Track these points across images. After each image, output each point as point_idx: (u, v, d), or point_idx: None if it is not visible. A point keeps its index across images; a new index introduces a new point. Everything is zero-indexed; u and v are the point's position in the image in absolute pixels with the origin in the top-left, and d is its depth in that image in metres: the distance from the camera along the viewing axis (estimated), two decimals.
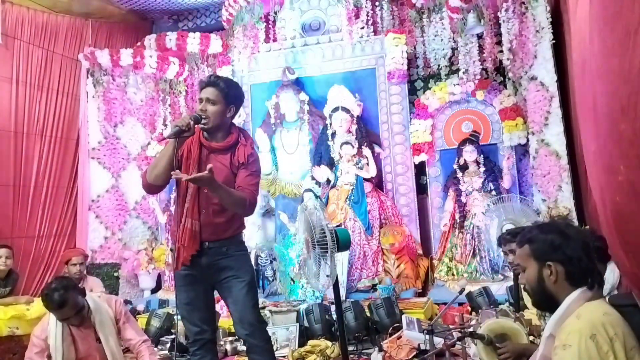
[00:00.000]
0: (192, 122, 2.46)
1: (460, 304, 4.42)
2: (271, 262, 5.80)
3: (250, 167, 2.59)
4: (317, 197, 5.81)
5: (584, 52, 1.97)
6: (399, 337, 3.72)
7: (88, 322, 2.84)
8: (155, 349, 4.10)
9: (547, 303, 1.68)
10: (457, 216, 5.69)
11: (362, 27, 6.31)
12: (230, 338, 4.18)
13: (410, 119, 6.16)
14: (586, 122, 1.95)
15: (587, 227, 4.50)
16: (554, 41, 5.15)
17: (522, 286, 3.22)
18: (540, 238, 1.65)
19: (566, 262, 1.59)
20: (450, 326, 3.81)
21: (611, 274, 3.06)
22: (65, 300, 2.69)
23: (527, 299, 3.31)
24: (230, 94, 2.61)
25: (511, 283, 4.01)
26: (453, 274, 5.56)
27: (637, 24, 1.11)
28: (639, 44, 1.11)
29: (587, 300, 1.55)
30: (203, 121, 2.53)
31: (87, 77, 6.65)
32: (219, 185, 2.39)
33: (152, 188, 2.65)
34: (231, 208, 2.53)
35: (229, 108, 2.61)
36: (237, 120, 6.43)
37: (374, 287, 5.39)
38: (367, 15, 6.29)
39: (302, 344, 4.02)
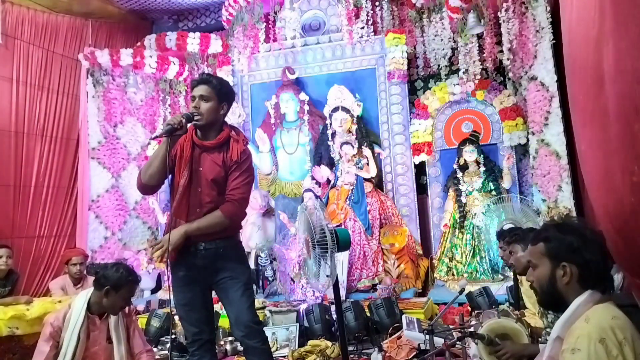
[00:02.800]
0: (184, 121, 2.46)
1: (460, 304, 4.42)
2: (271, 262, 5.80)
3: (242, 166, 2.58)
4: (317, 197, 5.81)
5: (574, 53, 1.97)
6: (399, 337, 3.71)
7: (105, 319, 2.85)
8: (155, 349, 4.10)
9: (555, 303, 1.66)
10: (457, 216, 5.69)
11: (362, 27, 6.31)
12: (230, 338, 4.17)
13: (410, 119, 6.16)
14: (584, 123, 1.94)
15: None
16: (554, 41, 5.14)
17: (522, 286, 3.23)
18: (558, 238, 1.60)
19: (582, 265, 1.55)
20: (450, 326, 3.81)
21: (615, 275, 3.06)
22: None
23: (526, 300, 3.31)
24: (223, 91, 2.61)
25: (511, 283, 4.00)
26: (453, 274, 5.56)
27: None
28: None
29: (595, 303, 1.53)
30: (196, 117, 2.52)
31: (87, 77, 6.64)
32: (192, 229, 2.48)
33: (146, 188, 2.63)
34: (219, 231, 2.55)
35: (222, 105, 2.61)
36: (238, 120, 6.47)
37: (374, 287, 5.39)
38: (367, 15, 6.29)
39: (302, 344, 4.01)
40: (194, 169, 2.56)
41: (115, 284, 2.72)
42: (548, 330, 2.37)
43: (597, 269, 1.56)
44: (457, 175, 5.74)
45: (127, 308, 3.00)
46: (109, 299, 2.75)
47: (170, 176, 2.58)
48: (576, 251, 1.56)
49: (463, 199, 5.65)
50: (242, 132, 2.77)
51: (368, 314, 4.19)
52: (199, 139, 2.59)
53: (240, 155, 2.58)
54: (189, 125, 2.53)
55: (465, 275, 5.42)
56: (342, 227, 5.39)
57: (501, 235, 3.60)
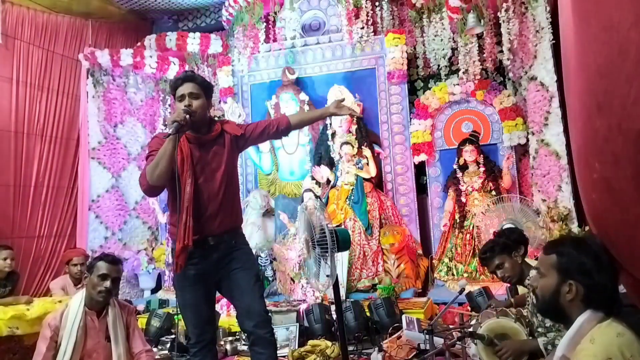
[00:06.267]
0: (187, 116, 2.45)
1: (460, 304, 4.42)
2: (271, 262, 5.80)
3: (249, 124, 2.75)
4: (317, 197, 5.81)
5: (564, 50, 1.97)
6: (399, 337, 3.72)
7: (104, 317, 2.86)
8: (155, 349, 4.11)
9: (554, 314, 1.66)
10: (457, 216, 5.69)
11: (362, 27, 6.31)
12: (230, 338, 4.18)
13: (410, 119, 6.16)
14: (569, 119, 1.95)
15: (587, 227, 4.50)
16: (553, 41, 5.15)
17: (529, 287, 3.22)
18: (572, 255, 1.59)
19: (589, 286, 1.54)
20: (450, 326, 3.81)
21: None
22: (121, 261, 2.94)
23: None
24: (208, 87, 2.65)
25: None
26: (453, 274, 5.56)
27: (613, 20, 1.10)
28: (615, 39, 1.11)
29: (599, 321, 1.52)
30: (193, 114, 2.50)
31: (87, 77, 6.65)
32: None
33: (154, 190, 2.54)
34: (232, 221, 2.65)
35: (208, 101, 2.65)
36: (238, 121, 6.46)
37: (374, 287, 5.40)
38: (367, 15, 6.29)
39: (302, 344, 4.02)
40: (198, 164, 2.54)
41: (89, 267, 2.88)
42: (539, 330, 2.38)
43: (604, 293, 1.54)
44: (457, 175, 5.74)
45: (127, 309, 3.00)
46: (89, 283, 2.84)
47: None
48: (586, 273, 1.55)
49: (463, 199, 5.65)
50: (224, 119, 2.87)
51: (368, 314, 4.19)
52: (192, 134, 2.58)
53: (239, 126, 2.72)
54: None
55: (465, 275, 5.42)
56: (342, 227, 5.39)
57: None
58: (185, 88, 2.56)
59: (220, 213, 2.56)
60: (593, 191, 1.46)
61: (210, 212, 2.53)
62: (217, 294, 2.74)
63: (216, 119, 2.74)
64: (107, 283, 2.79)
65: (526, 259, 3.07)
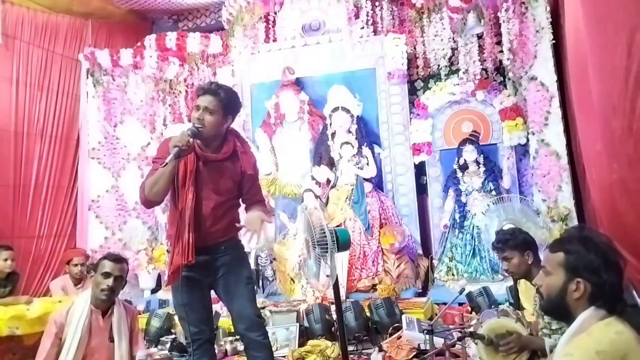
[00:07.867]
0: (190, 139, 2.42)
1: (461, 304, 4.42)
2: (271, 262, 5.80)
3: (256, 176, 2.69)
4: (317, 197, 5.81)
5: (580, 52, 1.98)
6: (399, 337, 3.72)
7: (109, 317, 2.87)
8: (155, 349, 4.12)
9: (559, 313, 1.65)
10: (457, 216, 5.69)
11: (362, 27, 6.30)
12: (230, 338, 4.18)
13: (410, 119, 6.16)
14: (588, 121, 1.95)
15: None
16: (554, 41, 5.15)
17: (520, 286, 3.23)
18: (580, 253, 1.57)
19: (597, 284, 1.53)
20: (450, 326, 3.81)
21: None
22: (125, 259, 2.95)
23: (524, 300, 3.31)
24: (230, 105, 2.57)
25: (511, 283, 4.00)
26: (453, 274, 5.56)
27: (623, 23, 1.11)
28: (625, 42, 1.11)
29: (600, 319, 1.51)
30: (200, 130, 2.47)
31: (87, 77, 6.64)
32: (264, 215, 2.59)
33: (151, 203, 2.61)
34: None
35: (227, 119, 2.58)
36: (237, 121, 6.44)
37: (374, 287, 5.39)
38: (367, 15, 6.28)
39: (302, 344, 4.02)
40: (201, 182, 2.54)
41: (94, 266, 2.96)
42: (544, 330, 2.38)
43: (611, 291, 1.53)
44: (457, 175, 5.74)
45: (132, 312, 3.02)
46: (93, 281, 2.88)
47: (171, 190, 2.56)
48: (594, 271, 1.53)
49: (463, 199, 5.65)
50: (244, 138, 2.80)
51: (368, 314, 4.19)
52: (201, 150, 2.55)
53: (253, 167, 2.66)
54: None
55: (465, 275, 5.42)
56: (342, 227, 5.38)
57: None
58: (203, 100, 2.51)
59: (217, 228, 2.58)
60: (613, 192, 1.46)
61: (207, 227, 2.54)
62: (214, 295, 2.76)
63: (236, 141, 2.68)
64: (110, 281, 2.80)
65: None
